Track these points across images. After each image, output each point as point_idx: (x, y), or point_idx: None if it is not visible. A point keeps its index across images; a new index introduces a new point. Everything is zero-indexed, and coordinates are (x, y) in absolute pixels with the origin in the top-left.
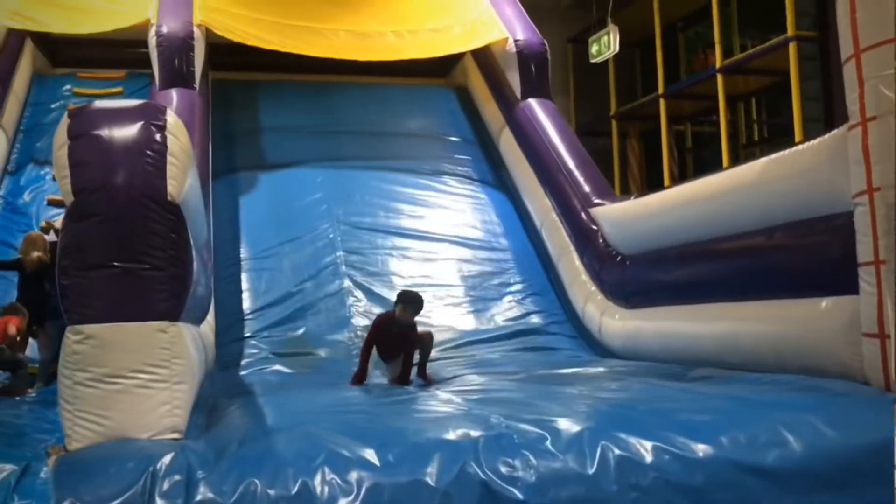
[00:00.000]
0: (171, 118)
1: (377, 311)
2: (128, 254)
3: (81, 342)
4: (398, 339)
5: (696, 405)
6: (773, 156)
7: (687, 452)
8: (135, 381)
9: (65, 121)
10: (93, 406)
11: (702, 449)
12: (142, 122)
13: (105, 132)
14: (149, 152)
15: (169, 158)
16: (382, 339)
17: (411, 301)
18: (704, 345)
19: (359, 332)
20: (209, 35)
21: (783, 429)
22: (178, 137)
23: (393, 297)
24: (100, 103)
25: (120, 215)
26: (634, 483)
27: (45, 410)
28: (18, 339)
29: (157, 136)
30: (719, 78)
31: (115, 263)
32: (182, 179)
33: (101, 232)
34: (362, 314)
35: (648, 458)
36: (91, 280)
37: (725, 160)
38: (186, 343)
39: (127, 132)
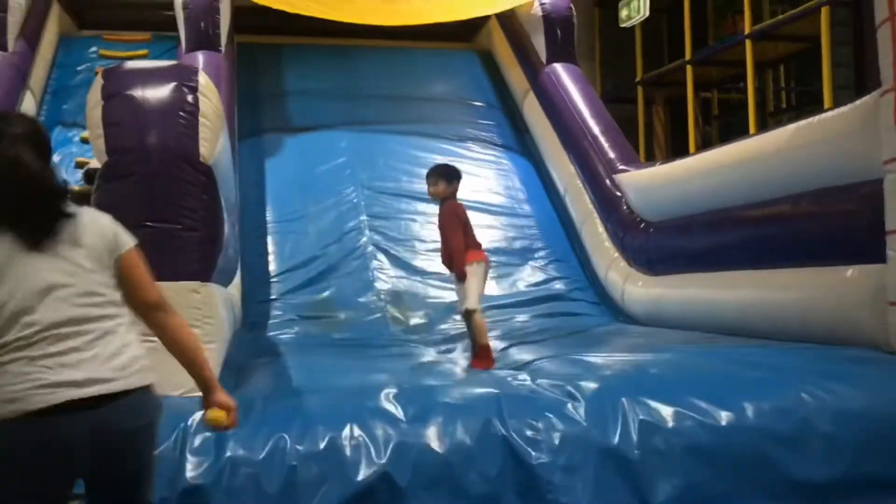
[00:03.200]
0: (203, 79)
1: (400, 274)
2: (161, 214)
3: None
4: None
5: (719, 372)
6: (803, 122)
7: (709, 419)
8: None
9: (98, 81)
10: None
11: (724, 416)
12: (174, 83)
13: (138, 93)
14: (181, 113)
15: (201, 120)
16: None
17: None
18: (728, 312)
19: (382, 295)
20: None
21: (806, 396)
22: (209, 99)
23: (416, 261)
24: (133, 64)
25: (153, 176)
26: (656, 448)
27: None
28: None
29: (190, 98)
30: (748, 44)
31: (148, 223)
32: (214, 141)
33: (135, 192)
34: (385, 278)
35: (671, 424)
36: None
37: (752, 128)
38: (217, 303)
39: (160, 93)
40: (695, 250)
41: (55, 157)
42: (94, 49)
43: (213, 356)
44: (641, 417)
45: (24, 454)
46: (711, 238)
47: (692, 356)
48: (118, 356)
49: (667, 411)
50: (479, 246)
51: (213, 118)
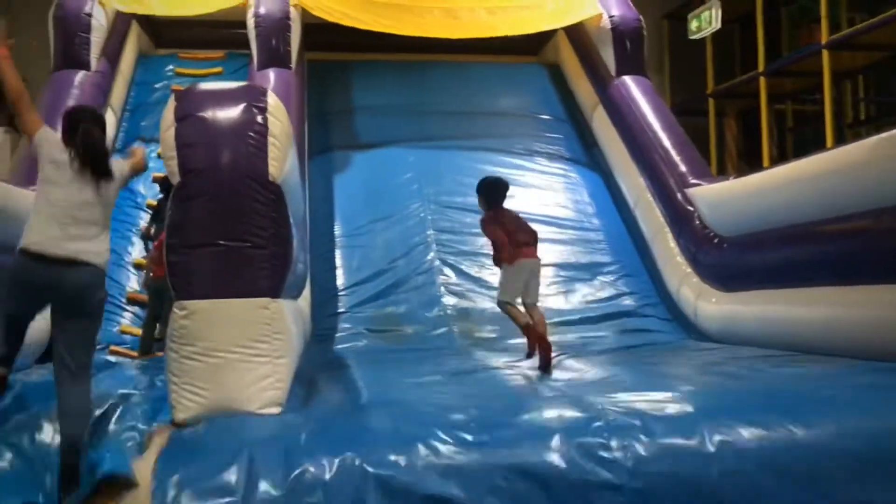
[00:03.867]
0: (272, 100)
1: (466, 288)
2: (231, 232)
3: (187, 317)
4: None
5: (801, 390)
6: (885, 134)
7: (793, 438)
8: (238, 356)
9: (171, 103)
10: (198, 379)
11: (809, 435)
12: (244, 104)
13: (210, 114)
14: (251, 134)
15: (270, 140)
16: None
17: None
18: (806, 330)
19: (448, 310)
20: (304, 15)
21: (892, 417)
22: (278, 119)
23: (482, 276)
24: (204, 86)
25: (224, 195)
26: (737, 469)
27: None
28: None
29: (259, 118)
30: (825, 54)
31: (220, 242)
32: (283, 160)
33: (207, 211)
34: (452, 292)
35: (753, 444)
36: (196, 258)
37: (829, 140)
38: (287, 319)
39: (230, 114)
40: (771, 266)
41: None
42: (170, 67)
43: (284, 370)
44: (720, 437)
45: None
46: (788, 253)
47: (772, 374)
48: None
49: (748, 431)
50: (524, 245)
51: (282, 138)
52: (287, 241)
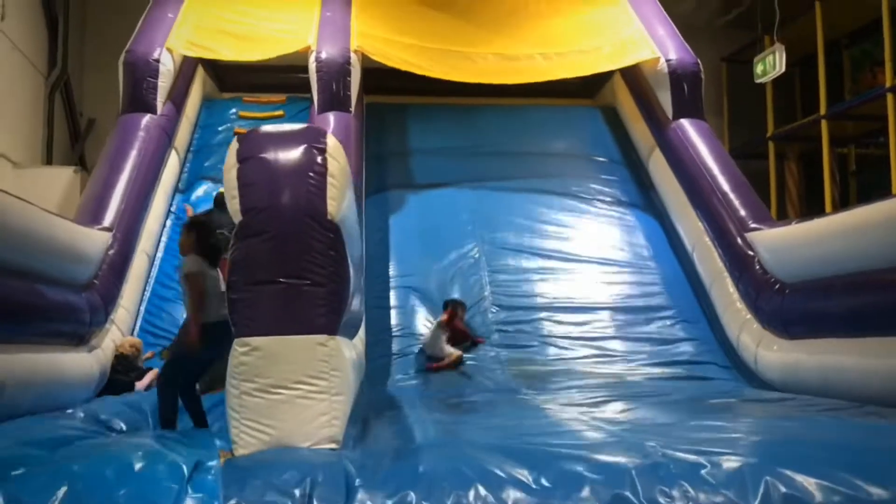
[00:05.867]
0: (331, 141)
1: (520, 330)
2: (291, 270)
3: (248, 354)
4: None
5: (869, 444)
6: None
7: (860, 494)
8: (296, 392)
9: (234, 145)
10: (257, 415)
11: (876, 492)
12: (304, 146)
13: (270, 155)
14: (311, 174)
15: (329, 179)
16: None
17: None
18: (873, 381)
19: (502, 352)
20: (364, 60)
21: None
22: (337, 159)
23: (537, 318)
24: (266, 128)
25: (284, 233)
26: None
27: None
28: None
29: (319, 159)
30: (889, 98)
31: (280, 279)
32: (341, 199)
33: (267, 249)
34: (505, 334)
35: (817, 498)
36: (257, 295)
37: (895, 185)
38: (344, 356)
39: (291, 155)
40: (835, 314)
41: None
42: (233, 111)
43: (341, 407)
44: (785, 491)
45: None
46: (854, 301)
47: (837, 426)
48: None
49: (813, 485)
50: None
51: (341, 177)
52: (345, 279)
